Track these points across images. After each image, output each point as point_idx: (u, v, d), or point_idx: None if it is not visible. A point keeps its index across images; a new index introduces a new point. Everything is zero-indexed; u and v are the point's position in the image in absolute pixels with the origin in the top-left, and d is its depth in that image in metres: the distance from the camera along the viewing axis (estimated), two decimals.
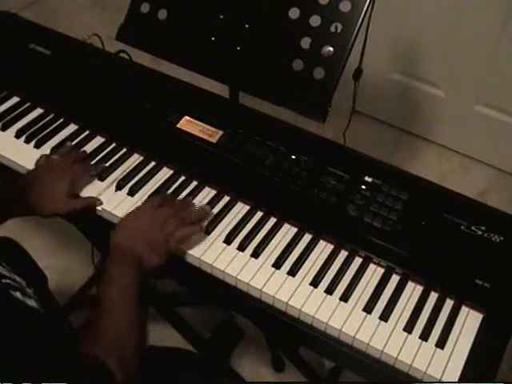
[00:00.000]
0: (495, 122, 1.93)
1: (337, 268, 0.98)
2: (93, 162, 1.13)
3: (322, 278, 0.96)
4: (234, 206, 1.06)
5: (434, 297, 0.95)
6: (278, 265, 0.98)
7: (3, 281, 0.75)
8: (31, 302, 0.77)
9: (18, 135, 1.18)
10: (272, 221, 1.04)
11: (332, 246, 1.01)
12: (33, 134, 1.17)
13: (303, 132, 1.17)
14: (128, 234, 0.94)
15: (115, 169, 1.12)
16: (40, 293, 0.84)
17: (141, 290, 0.88)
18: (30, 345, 0.66)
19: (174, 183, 1.09)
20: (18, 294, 0.75)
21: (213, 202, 1.06)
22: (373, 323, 0.91)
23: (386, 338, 0.89)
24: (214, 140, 1.13)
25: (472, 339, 0.90)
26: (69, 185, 1.04)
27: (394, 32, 1.91)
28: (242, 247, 1.00)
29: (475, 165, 2.05)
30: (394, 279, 0.97)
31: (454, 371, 0.87)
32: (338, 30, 1.04)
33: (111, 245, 0.93)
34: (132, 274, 0.88)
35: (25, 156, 1.13)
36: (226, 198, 1.07)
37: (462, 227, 1.00)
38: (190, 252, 0.99)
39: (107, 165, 1.12)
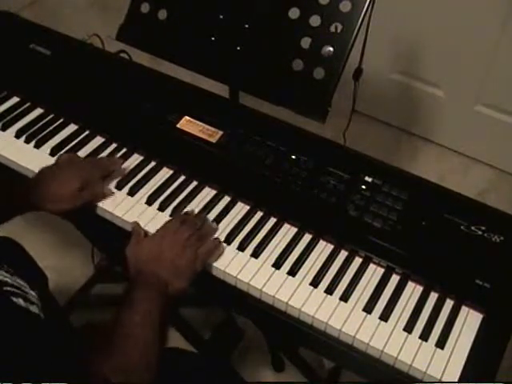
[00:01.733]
0: (495, 122, 1.93)
1: (337, 268, 0.98)
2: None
3: (322, 278, 0.96)
4: (234, 205, 1.06)
5: (433, 297, 0.95)
6: (278, 265, 0.98)
7: (4, 288, 0.75)
8: (33, 308, 0.76)
9: (18, 135, 1.18)
10: (272, 221, 1.04)
11: (332, 246, 1.01)
12: (33, 134, 1.17)
13: (303, 132, 1.17)
14: (151, 258, 0.92)
15: None
16: (41, 293, 0.84)
17: (164, 316, 0.86)
18: (31, 351, 0.66)
19: (173, 183, 1.09)
20: (20, 301, 0.75)
21: (213, 202, 1.06)
22: (373, 323, 0.91)
23: (386, 338, 0.89)
24: (213, 140, 1.13)
25: (472, 339, 0.90)
26: (81, 183, 1.01)
27: (394, 32, 1.91)
28: (241, 247, 1.00)
29: (475, 165, 2.05)
30: (394, 279, 0.97)
31: (454, 371, 0.87)
32: (338, 30, 1.04)
33: (135, 268, 0.92)
34: (156, 299, 0.87)
35: (25, 156, 1.14)
36: (226, 198, 1.07)
37: (462, 227, 0.99)
38: None
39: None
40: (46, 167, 1.06)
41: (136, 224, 1.01)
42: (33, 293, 0.81)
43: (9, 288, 0.76)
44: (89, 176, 1.04)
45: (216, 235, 1.01)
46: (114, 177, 1.09)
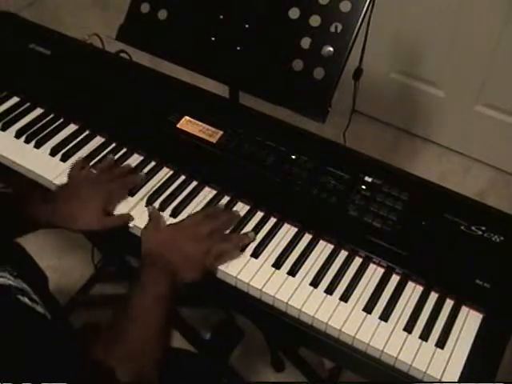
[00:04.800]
0: (495, 122, 1.93)
1: (337, 268, 0.98)
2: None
3: (322, 278, 0.96)
4: (234, 206, 1.06)
5: (434, 297, 0.95)
6: (278, 265, 0.98)
7: (11, 288, 0.75)
8: (39, 308, 0.76)
9: (18, 135, 1.17)
10: (272, 221, 1.04)
11: (332, 246, 1.01)
12: (33, 134, 1.17)
13: (303, 132, 1.17)
14: (166, 243, 0.93)
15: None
16: (42, 295, 0.84)
17: (172, 303, 0.86)
18: (39, 350, 0.66)
19: (173, 183, 1.09)
20: (26, 300, 0.75)
21: (213, 202, 1.06)
22: (373, 323, 0.91)
23: (386, 338, 0.89)
24: (214, 140, 1.13)
25: (472, 339, 0.90)
26: (104, 202, 1.00)
27: (394, 32, 1.91)
28: (242, 247, 1.00)
29: (475, 165, 2.05)
30: (394, 279, 0.97)
31: (454, 371, 0.87)
32: (338, 30, 1.04)
33: (147, 250, 0.92)
34: (166, 284, 0.86)
35: (25, 156, 1.13)
36: (226, 198, 1.07)
37: (462, 227, 0.99)
38: None
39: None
40: (64, 185, 1.04)
41: (153, 208, 1.01)
42: (35, 297, 0.81)
43: (14, 286, 0.76)
44: (108, 192, 1.02)
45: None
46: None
